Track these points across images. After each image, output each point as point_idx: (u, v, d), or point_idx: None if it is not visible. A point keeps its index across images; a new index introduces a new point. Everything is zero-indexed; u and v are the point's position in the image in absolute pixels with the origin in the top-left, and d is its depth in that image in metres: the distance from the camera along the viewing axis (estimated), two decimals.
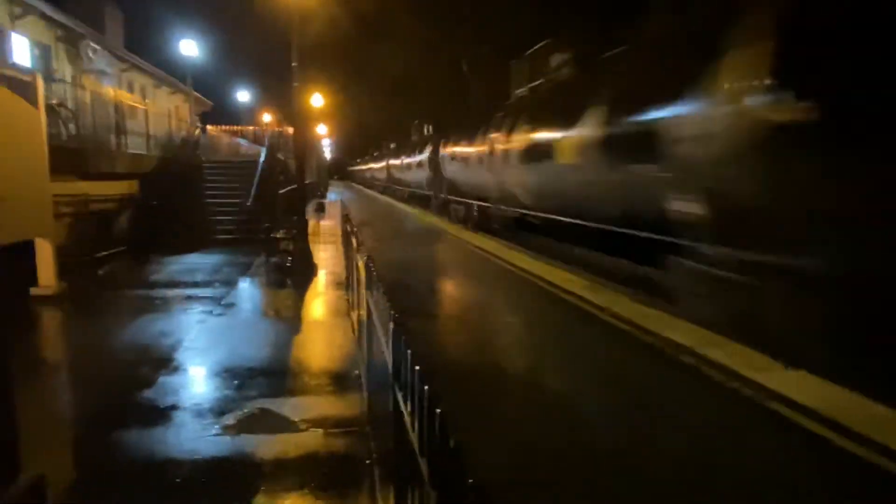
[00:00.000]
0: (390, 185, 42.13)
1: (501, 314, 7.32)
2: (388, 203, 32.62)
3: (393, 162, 41.54)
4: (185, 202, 13.89)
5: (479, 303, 7.95)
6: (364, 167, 74.01)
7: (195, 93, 24.09)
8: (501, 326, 6.71)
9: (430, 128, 32.59)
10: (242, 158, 20.72)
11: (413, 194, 29.68)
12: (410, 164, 32.57)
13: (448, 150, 21.28)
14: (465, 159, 18.12)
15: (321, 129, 35.68)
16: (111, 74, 19.66)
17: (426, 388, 1.92)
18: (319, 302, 7.83)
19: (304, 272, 9.52)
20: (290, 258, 9.92)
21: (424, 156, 27.23)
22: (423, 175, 27.05)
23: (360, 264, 4.55)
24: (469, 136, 18.60)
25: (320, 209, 21.36)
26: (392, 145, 49.89)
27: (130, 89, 21.27)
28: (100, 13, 21.69)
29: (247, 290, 8.57)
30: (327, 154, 72.08)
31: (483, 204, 14.99)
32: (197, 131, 18.42)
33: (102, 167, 11.33)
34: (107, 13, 22.32)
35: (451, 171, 20.51)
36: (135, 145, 13.74)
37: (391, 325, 2.56)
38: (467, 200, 17.57)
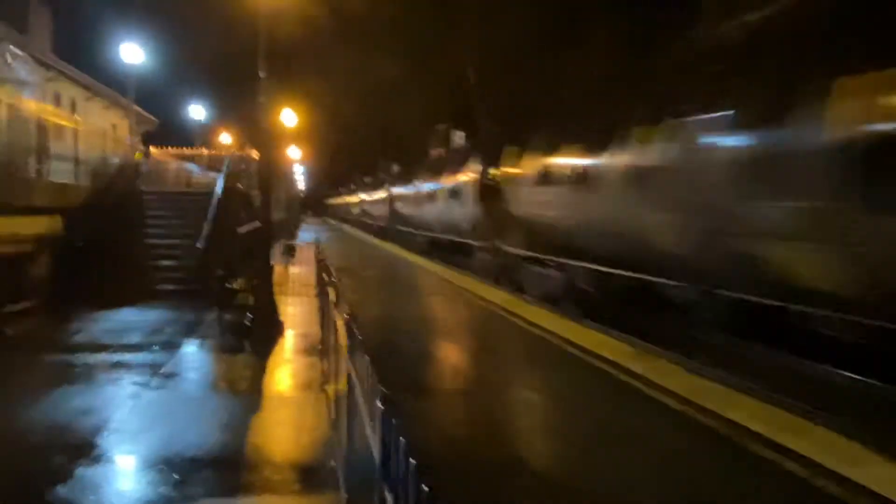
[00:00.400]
0: (395, 227, 35.62)
1: (519, 388, 7.26)
2: (380, 250, 32.73)
3: (397, 191, 35.93)
4: (120, 244, 13.98)
5: (491, 373, 7.92)
6: (348, 200, 73.55)
7: (137, 107, 24.64)
8: (520, 406, 6.64)
9: (458, 135, 27.18)
10: (194, 189, 21.01)
11: (436, 242, 24.61)
12: (428, 195, 25.80)
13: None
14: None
15: (293, 153, 36.19)
16: (33, 84, 20.10)
17: (424, 487, 1.83)
18: (286, 372, 7.81)
19: (267, 333, 9.50)
20: (250, 315, 9.91)
21: (463, 180, 20.37)
22: (462, 212, 20.49)
23: (340, 323, 4.52)
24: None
25: (290, 252, 21.51)
26: (395, 168, 46.48)
27: (57, 102, 21.73)
28: (23, 12, 22.21)
29: (194, 356, 8.58)
30: (300, 184, 73.27)
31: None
32: (138, 155, 18.72)
33: (15, 199, 11.44)
34: (31, 11, 22.87)
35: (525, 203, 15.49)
36: (60, 172, 13.92)
37: (379, 404, 2.51)
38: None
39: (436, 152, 29.93)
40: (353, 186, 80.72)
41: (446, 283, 15.87)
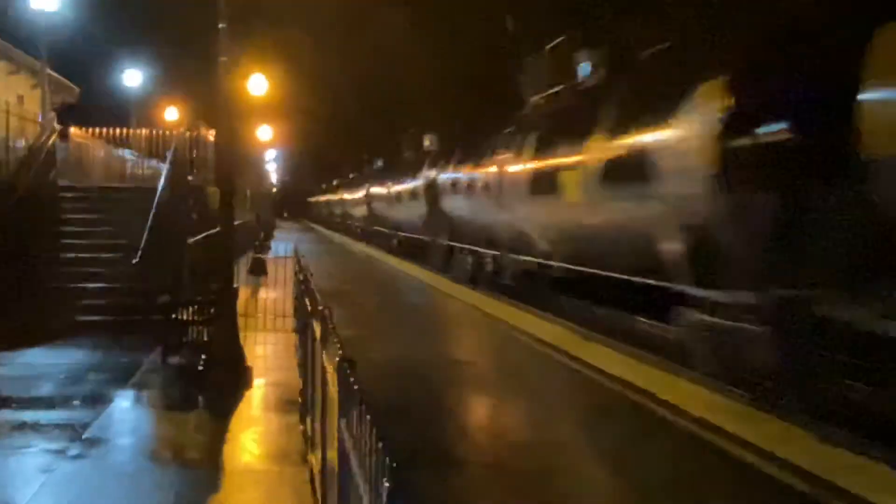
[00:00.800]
0: (371, 228, 46.71)
1: (578, 460, 7.23)
2: (369, 258, 32.95)
3: (376, 190, 45.45)
4: (26, 259, 14.11)
5: (534, 436, 7.91)
6: (332, 198, 76.16)
7: (52, 73, 24.95)
8: (584, 486, 6.60)
9: (432, 139, 36.11)
10: (129, 184, 21.25)
11: (408, 241, 34.65)
12: (399, 195, 36.77)
13: (449, 173, 26.01)
14: (469, 188, 22.83)
15: (264, 134, 36.45)
16: None
17: None
18: (254, 436, 7.82)
19: (228, 381, 9.52)
20: (204, 356, 9.93)
21: (418, 182, 31.54)
22: (416, 211, 31.36)
23: (330, 370, 4.49)
24: (478, 152, 22.61)
25: (259, 270, 21.63)
26: (378, 164, 52.50)
27: None
28: None
29: (128, 414, 8.60)
30: (273, 175, 74.10)
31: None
32: (53, 137, 18.94)
33: None
34: None
35: (452, 205, 25.33)
36: None
37: (385, 483, 2.46)
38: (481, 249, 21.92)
39: (409, 154, 39.41)
40: (335, 183, 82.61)
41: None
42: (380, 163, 54.67)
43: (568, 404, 9.33)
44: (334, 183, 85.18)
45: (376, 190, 45.34)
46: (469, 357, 12.12)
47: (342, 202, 67.13)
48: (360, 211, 52.97)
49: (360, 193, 53.77)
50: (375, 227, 45.45)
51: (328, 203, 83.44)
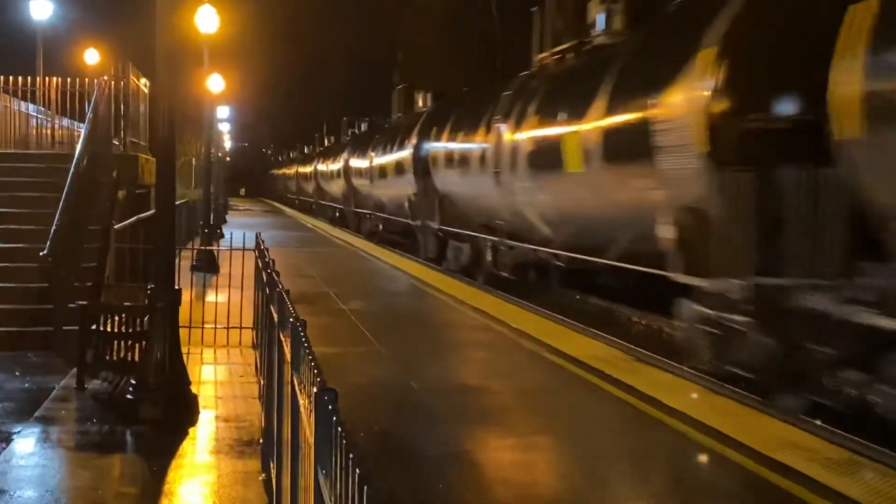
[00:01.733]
0: (351, 210, 48.88)
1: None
2: (349, 249, 32.98)
3: (356, 163, 46.40)
4: None
5: (583, 493, 7.87)
6: (304, 170, 76.06)
7: None
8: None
9: (427, 97, 37.99)
10: (34, 151, 21.21)
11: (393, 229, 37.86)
12: (382, 169, 38.57)
13: (441, 143, 28.42)
14: (463, 161, 25.43)
15: (215, 85, 36.35)
16: None
17: None
18: (201, 489, 7.81)
19: (167, 415, 9.52)
20: (134, 381, 9.91)
21: (404, 152, 33.77)
22: (404, 189, 33.79)
23: (304, 402, 4.46)
24: (475, 118, 24.91)
25: (208, 265, 21.61)
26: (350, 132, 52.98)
27: None
28: None
29: (31, 459, 8.56)
30: (227, 141, 74.08)
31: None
32: None
33: None
34: None
35: (445, 181, 27.74)
36: None
37: None
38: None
39: (398, 117, 41.17)
40: (307, 151, 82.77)
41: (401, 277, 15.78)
42: (364, 127, 55.23)
43: (627, 455, 9.28)
44: (305, 151, 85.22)
45: (357, 162, 46.06)
46: (481, 381, 12.09)
47: (315, 176, 67.65)
48: (337, 188, 53.81)
49: (336, 165, 54.21)
50: (356, 209, 46.70)
51: (297, 177, 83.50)
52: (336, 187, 54.56)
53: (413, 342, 15.01)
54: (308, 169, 74.22)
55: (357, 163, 45.58)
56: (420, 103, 38.34)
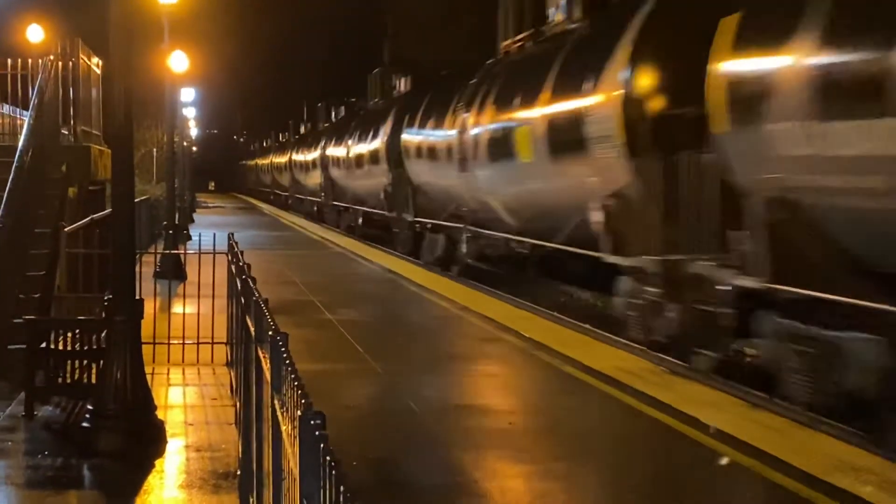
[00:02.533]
0: (330, 204, 50.18)
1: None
2: (328, 247, 33.01)
3: (334, 152, 48.03)
4: None
5: None
6: (278, 161, 76.00)
7: None
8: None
9: (406, 82, 40.22)
10: None
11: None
12: (359, 159, 40.92)
13: (413, 131, 31.34)
14: (432, 151, 28.56)
15: (178, 63, 36.36)
16: None
17: None
18: None
19: (129, 445, 9.50)
20: (91, 407, 9.90)
21: (378, 141, 36.75)
22: (379, 180, 36.75)
23: (287, 428, 4.46)
24: (444, 105, 28.12)
25: (173, 271, 21.60)
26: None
27: None
28: None
29: None
30: (193, 129, 74.06)
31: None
32: None
33: None
34: None
35: (417, 171, 30.87)
36: None
37: None
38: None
39: (376, 102, 43.73)
40: (281, 141, 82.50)
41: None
42: (341, 113, 55.64)
43: (662, 484, 9.30)
44: (280, 141, 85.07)
45: (335, 151, 47.57)
46: (491, 400, 12.09)
47: (290, 167, 68.33)
48: (314, 180, 55.18)
49: (313, 154, 55.40)
50: (335, 203, 48.52)
51: (272, 169, 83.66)
52: (313, 179, 55.66)
53: (412, 356, 15.00)
54: (283, 159, 74.91)
55: (335, 152, 47.10)
56: (401, 88, 40.44)
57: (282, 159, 76.34)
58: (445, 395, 12.37)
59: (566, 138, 18.35)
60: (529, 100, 20.57)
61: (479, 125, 23.94)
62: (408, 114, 32.19)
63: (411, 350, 15.54)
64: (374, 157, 37.17)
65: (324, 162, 50.68)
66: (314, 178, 55.38)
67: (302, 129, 74.83)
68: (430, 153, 28.67)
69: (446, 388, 12.84)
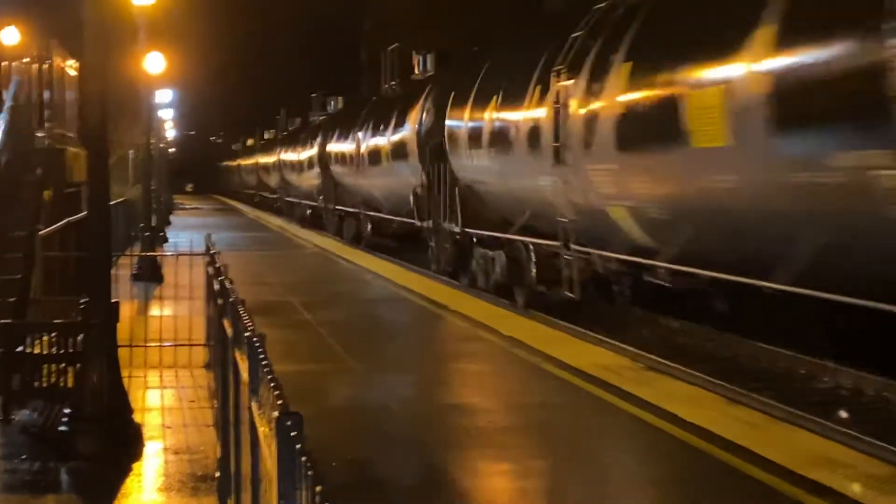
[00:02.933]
0: (331, 208, 44.75)
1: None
2: (325, 257, 32.88)
3: (335, 148, 42.72)
4: None
5: None
6: (264, 161, 73.20)
7: None
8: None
9: (427, 60, 33.61)
10: None
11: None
12: (371, 155, 35.38)
13: (461, 116, 25.14)
14: (500, 138, 22.15)
15: (154, 65, 36.31)
16: None
17: None
18: None
19: (106, 448, 9.48)
20: (68, 410, 9.87)
21: (405, 132, 30.81)
22: (401, 182, 31.21)
23: (264, 429, 4.46)
24: (515, 73, 22.27)
25: (150, 273, 21.55)
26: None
27: None
28: None
29: None
30: (170, 130, 73.94)
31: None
32: None
33: None
34: None
35: (469, 166, 24.51)
36: None
37: None
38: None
39: (390, 87, 37.17)
40: (267, 138, 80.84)
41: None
42: (339, 104, 52.79)
43: (642, 480, 9.30)
44: (266, 139, 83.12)
45: (338, 147, 42.29)
46: (470, 399, 12.08)
47: (279, 167, 63.44)
48: (309, 181, 50.64)
49: (309, 152, 50.77)
50: (337, 207, 43.16)
51: (256, 169, 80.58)
52: (308, 180, 51.35)
53: (391, 356, 14.99)
54: (271, 158, 69.68)
55: (339, 147, 41.76)
56: (416, 69, 34.06)
57: (269, 158, 70.98)
58: (423, 394, 12.41)
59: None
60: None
61: (604, 95, 16.17)
62: (454, 93, 25.37)
63: (390, 349, 15.47)
64: (398, 151, 30.93)
65: (323, 160, 44.88)
66: (309, 179, 50.33)
67: (288, 126, 71.57)
68: (496, 143, 21.56)
69: (425, 387, 12.85)
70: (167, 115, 63.73)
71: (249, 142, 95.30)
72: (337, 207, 43.24)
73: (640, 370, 13.13)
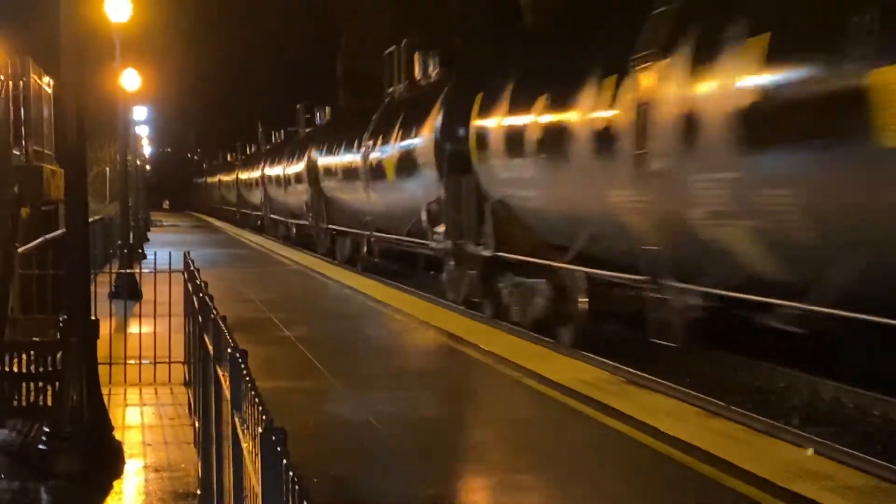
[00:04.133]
0: (322, 227, 40.36)
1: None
2: (306, 279, 32.81)
3: (328, 161, 38.83)
4: None
5: None
6: (246, 176, 70.33)
7: None
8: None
9: (434, 61, 29.54)
10: None
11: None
12: (378, 166, 30.56)
13: (498, 117, 20.76)
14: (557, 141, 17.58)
15: (130, 82, 36.30)
16: None
17: None
18: None
19: (86, 467, 9.43)
20: (47, 429, 9.83)
21: (421, 140, 26.16)
22: (420, 191, 26.33)
23: (247, 446, 4.51)
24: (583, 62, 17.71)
25: (128, 291, 21.49)
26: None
27: None
28: None
29: None
30: (146, 147, 73.76)
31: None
32: None
33: None
34: None
35: (504, 178, 20.40)
36: None
37: None
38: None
39: (397, 88, 32.82)
40: (249, 153, 79.37)
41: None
42: (325, 115, 49.80)
43: (626, 493, 9.30)
44: (247, 153, 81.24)
45: (329, 160, 38.66)
46: (451, 414, 12.08)
47: (262, 183, 58.98)
48: (296, 196, 46.53)
49: (294, 167, 47.13)
50: (330, 227, 39.25)
51: (236, 185, 77.00)
52: (294, 196, 46.90)
53: (372, 372, 14.98)
54: (253, 174, 64.96)
55: (331, 160, 38.05)
56: (416, 72, 30.48)
57: (251, 174, 67.54)
58: (405, 409, 12.31)
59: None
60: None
61: (715, 83, 12.71)
62: (482, 93, 21.75)
63: (372, 365, 15.48)
64: (407, 162, 27.03)
65: (312, 174, 40.96)
66: (297, 195, 45.98)
67: (273, 138, 68.02)
68: (544, 150, 17.81)
69: (406, 402, 12.79)
70: (143, 132, 63.50)
71: (230, 157, 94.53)
72: (329, 226, 39.57)
73: (620, 384, 13.17)
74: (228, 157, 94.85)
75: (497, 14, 32.22)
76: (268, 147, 66.48)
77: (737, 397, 13.39)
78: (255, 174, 64.13)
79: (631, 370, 14.18)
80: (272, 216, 57.04)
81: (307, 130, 50.97)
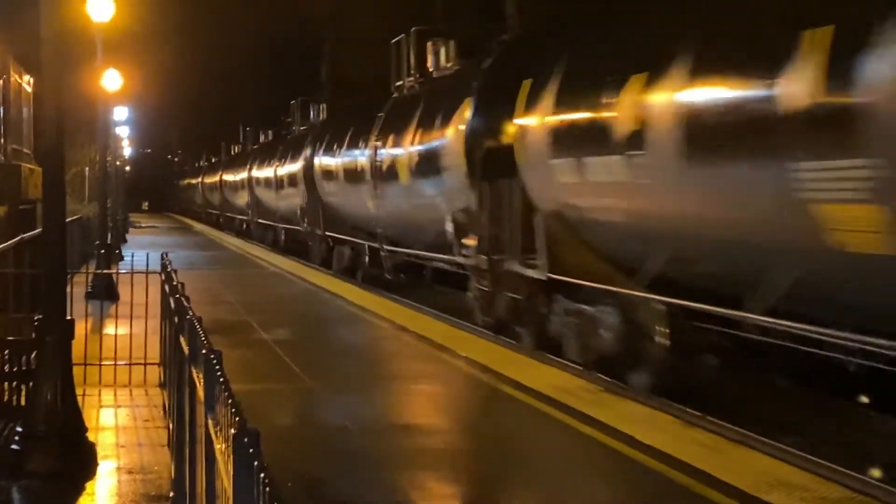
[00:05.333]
0: (320, 234, 36.70)
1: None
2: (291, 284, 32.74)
3: (328, 161, 35.02)
4: None
5: None
6: (232, 178, 65.08)
7: None
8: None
9: (439, 51, 26.20)
10: None
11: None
12: (386, 169, 26.97)
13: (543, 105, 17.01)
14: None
15: (111, 82, 36.24)
16: None
17: None
18: None
19: (59, 467, 9.38)
20: (20, 429, 9.79)
21: (448, 133, 22.56)
22: (431, 202, 23.35)
23: (220, 447, 4.48)
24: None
25: (105, 291, 21.42)
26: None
27: None
28: None
29: None
30: (126, 148, 73.57)
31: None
32: None
33: None
34: None
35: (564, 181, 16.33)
36: None
37: None
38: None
39: (405, 83, 29.64)
40: (235, 153, 78.01)
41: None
42: (323, 112, 46.09)
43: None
44: (232, 154, 78.53)
45: (329, 160, 35.01)
46: (428, 419, 12.08)
47: (249, 185, 55.80)
48: (289, 201, 43.15)
49: (288, 168, 43.53)
50: (328, 234, 35.85)
51: (220, 187, 72.37)
52: (287, 200, 43.52)
53: (349, 376, 14.97)
54: (238, 176, 60.73)
55: (332, 161, 34.44)
56: (429, 61, 27.04)
57: (236, 176, 62.51)
58: (381, 413, 12.36)
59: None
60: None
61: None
62: (531, 79, 17.90)
63: (348, 369, 15.48)
64: (428, 163, 23.56)
65: (309, 177, 37.51)
66: (288, 199, 42.90)
67: (261, 138, 64.17)
68: (636, 146, 13.43)
69: (383, 406, 12.83)
70: (123, 133, 63.27)
71: (214, 159, 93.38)
72: (327, 234, 36.09)
73: (596, 392, 13.17)
74: (213, 160, 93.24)
75: (481, 16, 31.89)
76: (255, 147, 63.41)
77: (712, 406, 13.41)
78: (241, 175, 59.92)
79: (607, 378, 14.16)
80: (260, 220, 53.70)
81: (302, 128, 47.38)
